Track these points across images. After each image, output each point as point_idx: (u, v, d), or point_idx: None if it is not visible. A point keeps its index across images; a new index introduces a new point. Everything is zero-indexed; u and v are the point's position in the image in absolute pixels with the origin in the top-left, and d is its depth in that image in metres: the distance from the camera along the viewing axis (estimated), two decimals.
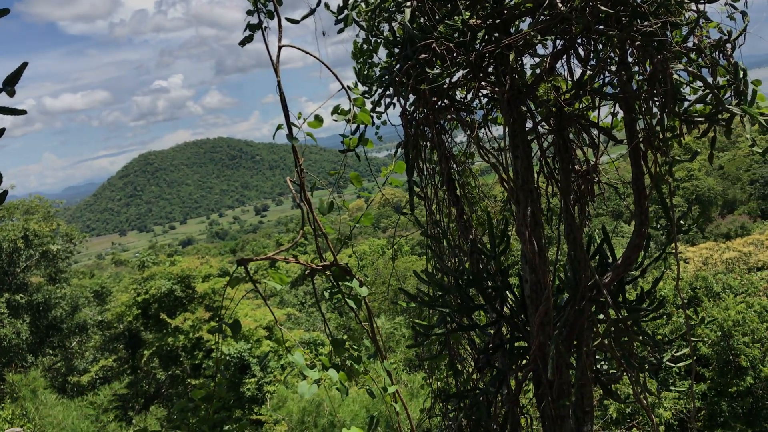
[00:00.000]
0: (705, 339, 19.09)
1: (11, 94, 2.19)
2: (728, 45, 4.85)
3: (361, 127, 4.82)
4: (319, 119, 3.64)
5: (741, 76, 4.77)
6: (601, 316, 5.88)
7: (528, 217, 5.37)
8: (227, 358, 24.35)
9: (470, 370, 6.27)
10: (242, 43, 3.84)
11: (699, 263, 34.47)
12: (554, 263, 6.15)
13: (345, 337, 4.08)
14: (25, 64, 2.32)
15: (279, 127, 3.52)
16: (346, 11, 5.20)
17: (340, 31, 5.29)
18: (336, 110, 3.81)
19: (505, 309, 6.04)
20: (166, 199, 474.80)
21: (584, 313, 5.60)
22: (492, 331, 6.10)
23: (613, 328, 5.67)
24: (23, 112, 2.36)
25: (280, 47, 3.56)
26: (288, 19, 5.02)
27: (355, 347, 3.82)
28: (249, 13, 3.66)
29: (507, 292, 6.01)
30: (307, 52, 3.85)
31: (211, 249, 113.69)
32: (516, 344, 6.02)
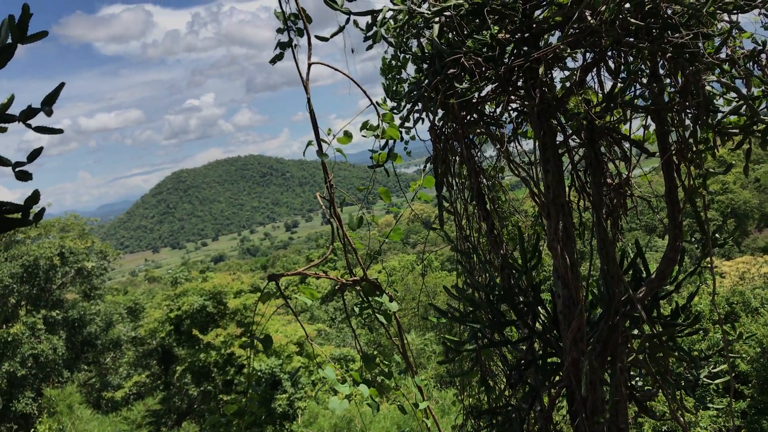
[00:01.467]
0: (744, 355, 18.65)
1: (49, 113, 2.24)
2: (763, 55, 4.77)
3: (390, 142, 4.84)
4: (348, 135, 3.66)
5: None
6: (636, 332, 5.78)
7: (560, 232, 5.32)
8: (258, 373, 24.45)
9: (502, 386, 6.20)
10: (273, 61, 3.89)
11: (736, 278, 33.70)
12: (587, 278, 6.07)
13: (375, 352, 4.07)
14: (62, 85, 2.37)
15: (309, 143, 3.54)
16: (374, 28, 5.23)
17: (369, 47, 5.32)
18: (365, 126, 3.83)
19: (537, 324, 5.98)
20: (199, 216, 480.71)
21: (618, 328, 5.51)
22: (524, 347, 6.03)
23: (647, 344, 5.57)
24: (60, 131, 2.40)
25: (309, 65, 3.60)
26: (317, 37, 5.07)
27: (386, 363, 3.81)
28: (279, 31, 3.70)
29: (539, 307, 5.95)
30: (336, 69, 3.88)
31: (243, 265, 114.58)
32: (549, 360, 5.94)
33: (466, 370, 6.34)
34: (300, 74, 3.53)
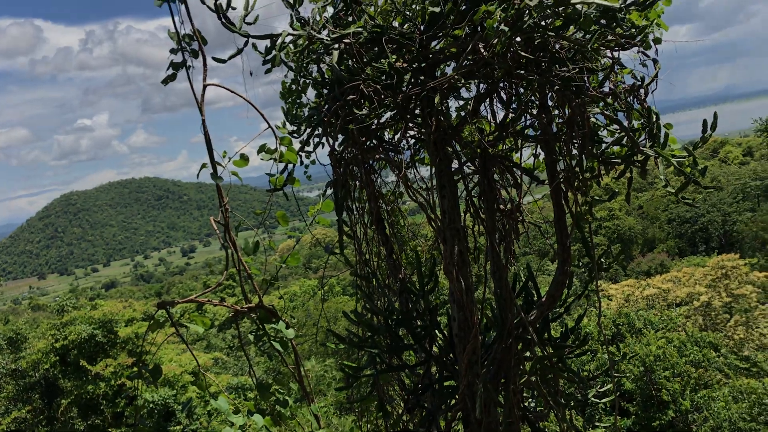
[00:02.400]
0: (628, 374, 19.59)
1: None
2: (641, 90, 5.10)
3: (290, 166, 4.80)
4: (244, 158, 3.61)
5: (654, 119, 5.01)
6: (528, 354, 5.96)
7: (455, 256, 5.43)
8: (151, 405, 23.41)
9: (400, 411, 6.22)
10: (165, 81, 3.79)
11: (621, 300, 35.50)
12: (482, 301, 6.22)
13: (272, 380, 3.99)
14: None
15: (203, 166, 3.46)
16: (274, 52, 5.21)
17: (268, 71, 5.29)
18: (262, 149, 3.79)
19: (434, 348, 6.05)
20: (89, 240, 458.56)
21: (511, 350, 5.67)
22: (421, 371, 6.09)
23: (538, 366, 5.75)
24: None
25: (204, 86, 3.53)
26: (215, 59, 4.99)
27: (282, 391, 3.74)
28: (172, 51, 3.62)
29: (436, 331, 6.03)
30: (232, 92, 3.82)
31: (136, 292, 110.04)
32: (445, 384, 6.02)
33: (364, 395, 6.32)
34: (195, 95, 3.46)
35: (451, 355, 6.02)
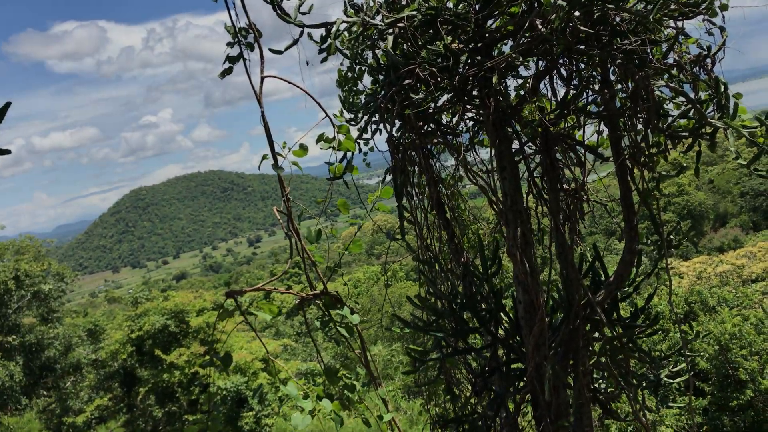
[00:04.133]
0: (702, 354, 19.03)
1: None
2: (708, 60, 4.90)
3: (348, 154, 4.82)
4: (303, 148, 3.64)
5: (722, 90, 4.81)
6: (597, 335, 5.85)
7: (518, 238, 5.37)
8: (224, 392, 24.10)
9: (468, 394, 6.21)
10: (222, 75, 3.85)
11: (693, 278, 34.48)
12: (547, 283, 6.13)
13: (339, 365, 4.04)
14: (7, 105, 2.30)
15: (264, 157, 3.51)
16: (329, 40, 5.23)
17: (324, 60, 5.32)
18: (321, 138, 3.82)
19: (500, 331, 6.01)
20: (159, 234, 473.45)
21: (579, 332, 5.57)
22: (488, 354, 6.06)
23: (608, 346, 5.64)
24: (7, 152, 2.33)
25: (262, 78, 3.57)
26: (272, 50, 5.04)
27: (349, 376, 3.78)
28: (229, 45, 3.68)
29: (501, 314, 5.98)
30: (290, 82, 3.86)
31: (205, 282, 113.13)
32: (512, 366, 5.97)
33: (431, 379, 6.34)
34: (253, 88, 3.50)
35: (517, 337, 5.97)
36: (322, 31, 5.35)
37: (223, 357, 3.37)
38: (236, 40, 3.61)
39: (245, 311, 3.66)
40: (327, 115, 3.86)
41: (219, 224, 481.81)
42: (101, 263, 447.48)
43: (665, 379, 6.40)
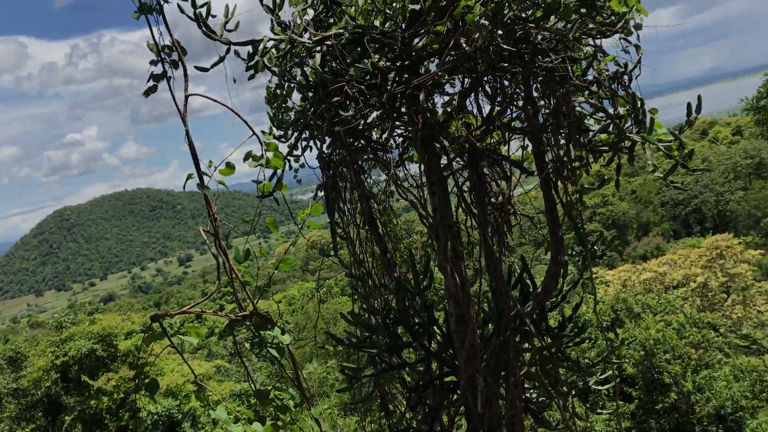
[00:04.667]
0: (629, 359, 19.64)
1: None
2: (625, 77, 5.10)
3: (278, 171, 4.80)
4: (230, 167, 3.60)
5: (639, 105, 5.02)
6: (527, 345, 5.97)
7: (449, 252, 5.44)
8: (155, 416, 23.37)
9: (403, 409, 6.22)
10: (146, 93, 3.78)
11: (619, 285, 35.60)
12: (478, 296, 6.23)
13: (272, 386, 3.98)
14: None
15: (189, 176, 3.46)
16: (256, 57, 5.20)
17: (251, 77, 5.29)
18: (248, 156, 3.78)
19: (433, 345, 6.06)
20: (85, 255, 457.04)
21: (509, 343, 5.68)
22: (422, 368, 6.10)
23: (538, 356, 5.77)
24: None
25: (186, 96, 3.52)
26: (197, 68, 4.98)
27: (281, 397, 3.74)
28: (152, 63, 3.61)
29: (434, 327, 6.04)
30: (214, 100, 3.81)
31: (134, 304, 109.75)
32: (446, 379, 6.02)
33: (366, 396, 6.33)
34: (177, 106, 3.45)
35: (450, 350, 6.03)
36: (250, 48, 5.32)
37: (149, 383, 3.27)
38: (159, 57, 3.55)
39: (174, 334, 3.57)
40: (254, 133, 3.83)
41: (148, 244, 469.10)
42: (23, 287, 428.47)
43: (594, 386, 6.58)
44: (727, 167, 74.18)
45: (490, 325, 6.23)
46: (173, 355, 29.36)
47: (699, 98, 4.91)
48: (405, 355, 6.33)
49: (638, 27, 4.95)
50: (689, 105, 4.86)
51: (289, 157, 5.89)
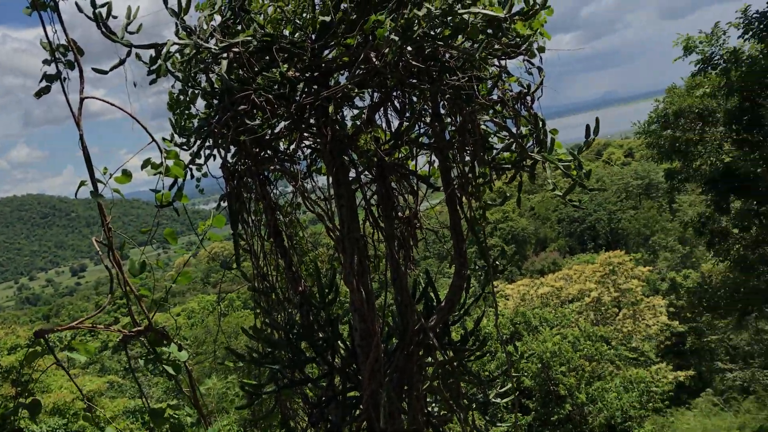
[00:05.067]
0: (527, 372, 20.22)
1: None
2: (528, 97, 5.26)
3: (179, 180, 4.62)
4: (127, 174, 3.42)
5: (540, 125, 5.18)
6: (430, 359, 6.00)
7: (355, 266, 5.40)
8: None
9: (304, 425, 6.11)
10: (38, 94, 3.54)
11: (518, 299, 36.66)
12: (383, 309, 6.22)
13: (167, 403, 3.80)
14: None
15: (82, 183, 3.26)
16: (159, 61, 5.01)
17: (153, 81, 5.08)
18: (147, 164, 3.61)
19: (337, 360, 5.99)
20: None
21: (413, 357, 5.69)
22: (325, 384, 6.01)
23: (440, 370, 5.81)
24: None
25: (82, 99, 3.33)
26: (95, 70, 4.74)
27: (177, 415, 3.56)
28: (46, 62, 3.39)
29: (338, 342, 5.97)
30: (111, 104, 3.63)
31: (20, 317, 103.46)
32: (349, 395, 5.96)
33: (267, 412, 6.18)
34: (71, 109, 3.25)
35: (354, 365, 5.98)
36: (153, 51, 5.12)
37: (30, 404, 3.04)
38: (54, 57, 3.34)
39: (62, 349, 3.35)
40: (153, 140, 3.66)
41: (38, 252, 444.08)
42: None
43: (494, 399, 6.69)
44: (620, 187, 78.20)
45: (394, 339, 6.23)
46: (61, 371, 27.84)
47: (597, 121, 5.11)
48: (308, 371, 6.23)
49: (541, 50, 5.12)
50: (588, 127, 5.06)
51: (191, 166, 5.69)
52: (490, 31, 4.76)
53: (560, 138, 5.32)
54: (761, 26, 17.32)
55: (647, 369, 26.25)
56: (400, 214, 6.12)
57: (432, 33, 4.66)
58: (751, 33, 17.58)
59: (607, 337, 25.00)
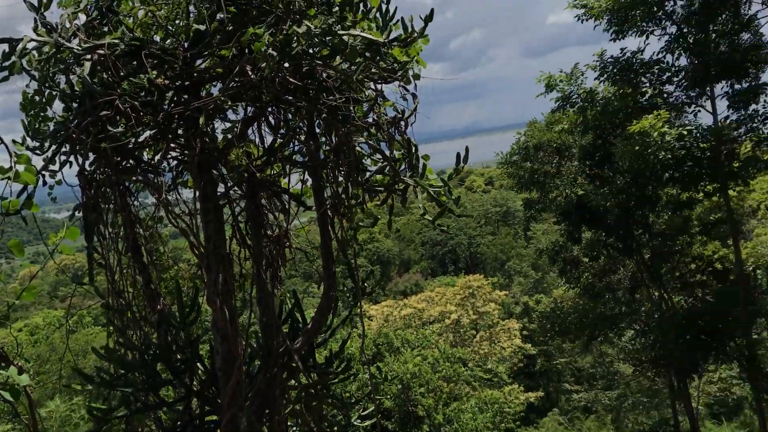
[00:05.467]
0: (388, 393, 20.41)
1: None
2: (402, 122, 5.34)
3: (30, 187, 4.26)
4: None
5: (413, 150, 5.27)
6: (293, 382, 5.88)
7: (219, 284, 5.20)
8: None
9: None
10: None
11: (381, 320, 37.07)
12: (246, 330, 6.03)
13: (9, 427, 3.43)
14: None
15: None
16: (13, 58, 4.61)
17: (5, 79, 4.67)
18: None
19: (195, 382, 5.73)
20: None
21: (276, 380, 5.55)
22: (181, 408, 5.72)
23: (303, 393, 5.70)
24: None
25: None
26: None
27: None
28: None
29: (197, 364, 5.71)
30: None
31: None
32: (207, 419, 5.71)
33: None
34: None
35: (213, 388, 5.74)
36: (6, 46, 4.71)
37: None
38: None
39: None
40: (2, 142, 3.34)
41: None
42: None
43: (355, 422, 6.67)
44: (480, 213, 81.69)
45: (256, 361, 6.05)
46: None
47: (466, 149, 5.27)
48: (163, 394, 5.90)
49: (416, 77, 5.22)
50: (458, 154, 5.20)
51: (44, 172, 5.26)
52: (368, 54, 4.79)
53: (432, 164, 5.44)
54: (615, 70, 18.78)
55: (501, 390, 27.35)
56: (269, 232, 5.99)
57: (311, 51, 4.62)
58: (606, 76, 19.02)
59: (465, 359, 25.80)
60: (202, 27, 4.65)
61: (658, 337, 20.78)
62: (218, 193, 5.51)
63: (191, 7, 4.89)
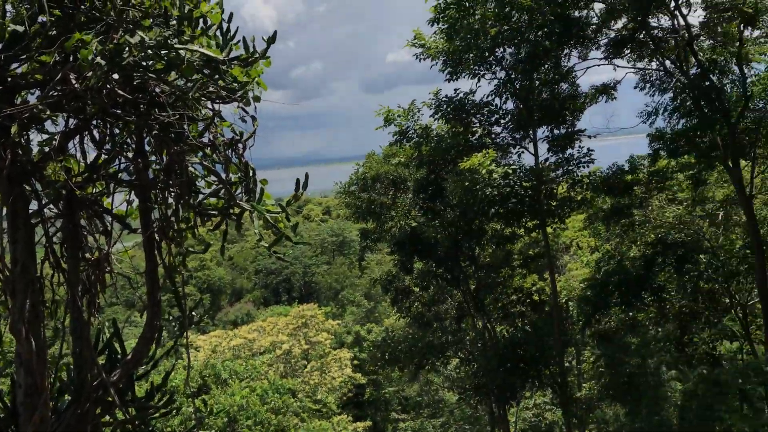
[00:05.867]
0: (213, 427, 19.62)
1: None
2: (240, 145, 5.19)
3: None
4: None
5: (251, 174, 5.13)
6: (108, 418, 5.44)
7: (26, 311, 4.70)
8: None
9: None
10: None
11: (209, 351, 35.72)
12: (56, 362, 5.52)
13: None
14: None
15: None
16: None
17: None
18: None
19: None
20: None
21: (89, 416, 5.09)
22: None
23: (119, 430, 5.28)
24: None
25: None
26: None
27: None
28: None
29: None
30: None
31: None
32: None
33: None
34: None
35: (14, 426, 5.16)
36: None
37: None
38: None
39: None
40: None
41: None
42: None
43: None
44: (316, 242, 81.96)
45: (66, 395, 5.53)
46: None
47: (306, 176, 5.22)
48: None
49: (257, 99, 5.11)
50: (298, 181, 5.13)
51: None
52: (206, 71, 4.63)
53: (270, 190, 5.31)
54: (448, 109, 19.82)
55: (329, 420, 27.24)
56: (88, 255, 5.54)
57: (144, 64, 4.38)
58: (440, 114, 20.03)
59: (295, 390, 25.47)
60: (21, 28, 4.26)
61: (482, 365, 21.84)
62: (30, 211, 5.01)
63: (8, 6, 4.46)
